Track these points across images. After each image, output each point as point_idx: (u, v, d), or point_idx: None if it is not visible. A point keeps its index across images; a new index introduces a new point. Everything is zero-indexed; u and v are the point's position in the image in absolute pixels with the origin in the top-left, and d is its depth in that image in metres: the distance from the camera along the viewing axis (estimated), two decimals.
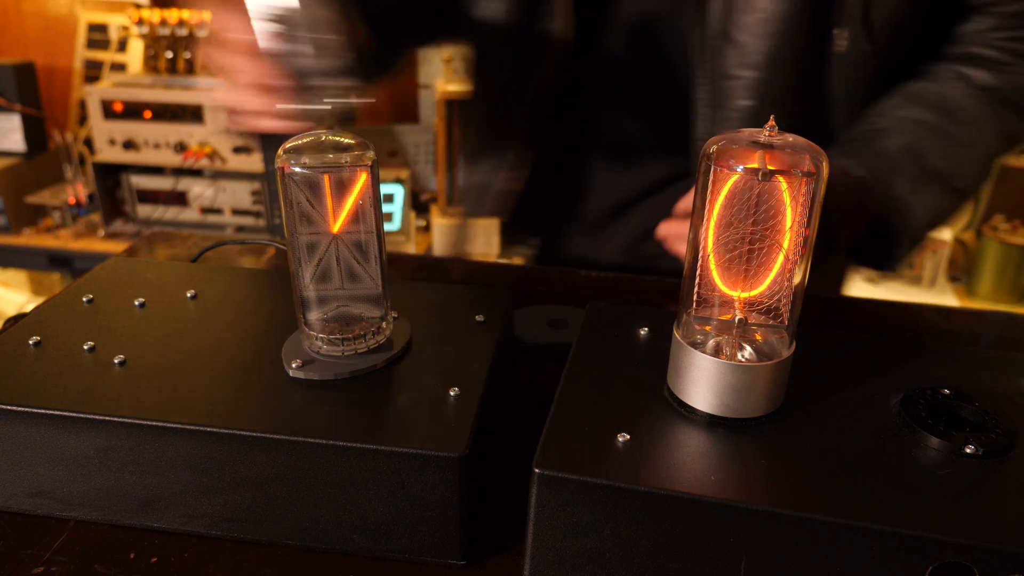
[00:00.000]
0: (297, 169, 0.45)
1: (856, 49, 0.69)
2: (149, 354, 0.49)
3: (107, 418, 0.43)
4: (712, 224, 0.42)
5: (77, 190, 2.11)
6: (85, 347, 0.50)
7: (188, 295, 0.57)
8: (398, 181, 2.05)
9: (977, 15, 0.71)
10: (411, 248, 2.10)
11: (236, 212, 2.05)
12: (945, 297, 2.11)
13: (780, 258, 0.42)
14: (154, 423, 0.43)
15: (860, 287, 2.16)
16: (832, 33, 0.69)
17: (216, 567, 0.43)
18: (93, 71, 2.24)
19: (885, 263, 0.71)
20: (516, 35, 0.77)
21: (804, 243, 0.42)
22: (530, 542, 0.41)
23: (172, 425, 0.43)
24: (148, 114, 1.95)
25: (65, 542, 0.45)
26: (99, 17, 2.24)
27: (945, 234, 2.11)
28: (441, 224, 2.11)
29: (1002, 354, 0.52)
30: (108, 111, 1.96)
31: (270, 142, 0.55)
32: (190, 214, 2.07)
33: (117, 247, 1.97)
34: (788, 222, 0.41)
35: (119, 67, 2.22)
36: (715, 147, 0.41)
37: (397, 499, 0.42)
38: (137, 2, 2.22)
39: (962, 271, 2.19)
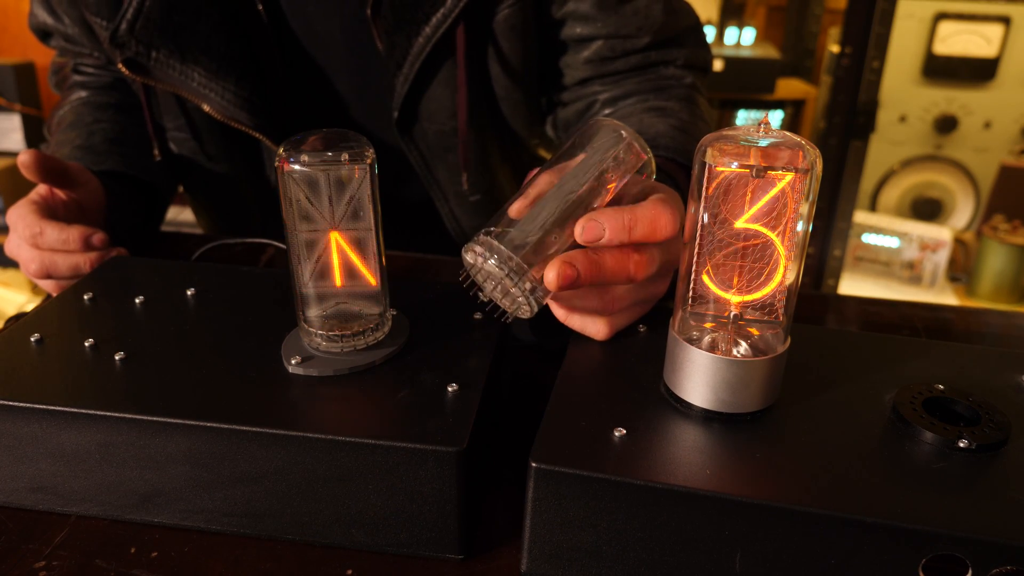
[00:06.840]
0: (296, 167, 0.45)
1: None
2: (150, 351, 0.50)
3: (108, 414, 0.44)
4: (705, 222, 0.43)
5: None
6: (86, 344, 0.50)
7: (188, 293, 0.57)
8: None
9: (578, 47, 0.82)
10: None
11: None
12: (945, 297, 2.12)
13: (774, 255, 0.42)
14: (155, 419, 0.43)
15: (858, 287, 2.16)
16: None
17: (216, 561, 0.44)
18: None
19: None
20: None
21: (798, 239, 0.42)
22: (527, 536, 0.41)
23: (172, 421, 0.43)
24: None
25: (66, 537, 0.45)
26: None
27: (945, 234, 2.11)
28: None
29: (996, 351, 0.52)
30: None
31: None
32: (190, 214, 2.07)
33: None
34: (782, 218, 0.42)
35: None
36: (708, 144, 0.42)
37: (396, 494, 0.43)
38: None
39: (962, 271, 2.20)
